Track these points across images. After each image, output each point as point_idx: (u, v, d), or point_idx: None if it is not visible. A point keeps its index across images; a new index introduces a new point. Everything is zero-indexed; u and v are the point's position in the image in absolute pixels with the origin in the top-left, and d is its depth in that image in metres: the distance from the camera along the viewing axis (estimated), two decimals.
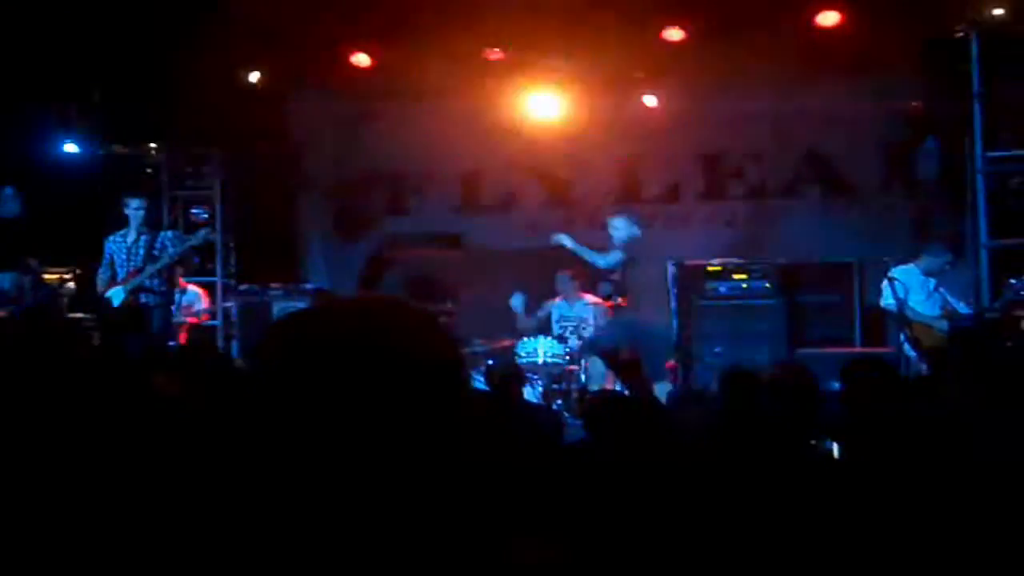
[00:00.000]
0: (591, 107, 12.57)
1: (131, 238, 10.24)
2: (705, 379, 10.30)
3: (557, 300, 11.85)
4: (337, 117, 13.81)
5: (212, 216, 13.11)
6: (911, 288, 10.22)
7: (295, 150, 13.69)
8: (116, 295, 10.19)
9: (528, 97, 12.52)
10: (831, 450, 4.22)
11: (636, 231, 10.63)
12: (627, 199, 13.56)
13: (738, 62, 11.93)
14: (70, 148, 12.45)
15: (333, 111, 13.78)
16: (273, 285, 12.51)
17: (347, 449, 1.50)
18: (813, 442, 3.95)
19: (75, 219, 11.95)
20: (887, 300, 10.26)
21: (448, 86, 12.34)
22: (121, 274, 10.21)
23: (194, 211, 13.13)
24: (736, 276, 11.26)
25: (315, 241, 14.35)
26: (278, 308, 12.18)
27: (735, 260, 11.43)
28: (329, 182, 14.29)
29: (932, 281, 10.39)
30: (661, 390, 9.51)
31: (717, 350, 10.82)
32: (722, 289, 11.24)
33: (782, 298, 11.07)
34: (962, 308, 10.35)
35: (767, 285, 11.16)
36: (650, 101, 12.46)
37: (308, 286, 12.85)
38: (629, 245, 10.64)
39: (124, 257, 10.22)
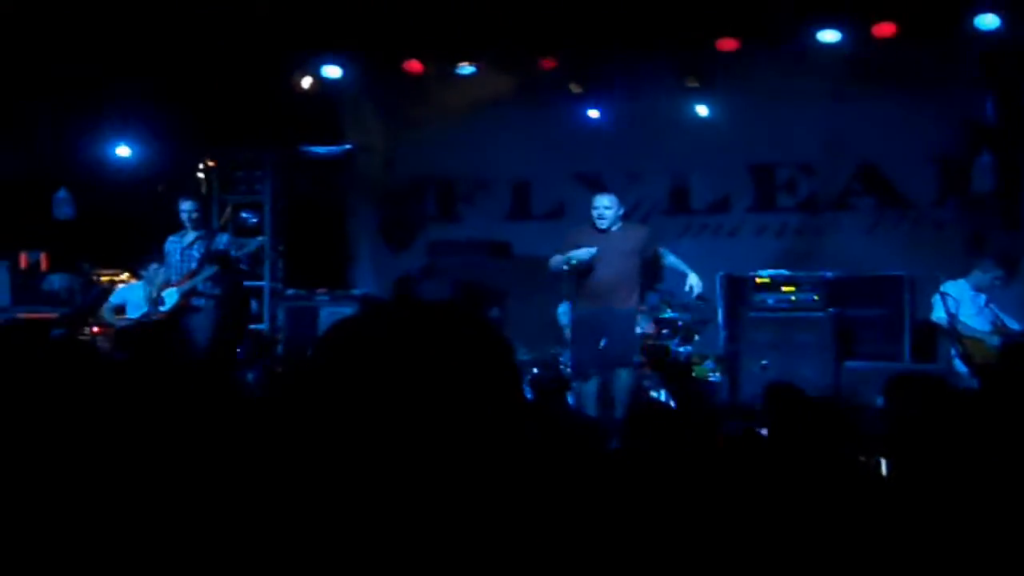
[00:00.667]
0: (643, 116, 12.53)
1: (187, 239, 10.33)
2: (751, 391, 10.23)
3: None
4: (389, 122, 13.86)
5: (261, 221, 13.17)
6: (962, 303, 10.10)
7: (346, 155, 13.73)
8: (170, 296, 10.29)
9: (580, 105, 12.48)
10: (879, 466, 4.16)
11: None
12: (678, 209, 13.54)
13: (791, 72, 11.89)
14: (123, 151, 12.54)
15: (385, 116, 13.83)
16: (320, 291, 12.56)
17: (401, 454, 1.51)
18: (862, 458, 3.91)
19: (129, 221, 12.07)
20: (938, 314, 10.15)
21: (500, 93, 12.36)
22: (175, 276, 10.30)
23: (244, 215, 13.18)
24: (785, 288, 11.17)
25: (363, 246, 14.40)
26: (325, 314, 12.22)
27: (784, 272, 11.35)
28: (379, 187, 14.34)
29: (983, 296, 10.27)
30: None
31: (764, 363, 10.74)
32: (770, 301, 11.16)
33: (831, 311, 10.97)
34: (1013, 325, 10.21)
35: (815, 298, 11.06)
36: (702, 110, 12.38)
37: (355, 292, 12.90)
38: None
39: (178, 259, 10.31)
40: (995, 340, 9.93)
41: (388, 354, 1.55)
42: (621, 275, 9.69)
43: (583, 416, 9.66)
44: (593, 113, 12.62)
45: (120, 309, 11.09)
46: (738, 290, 11.32)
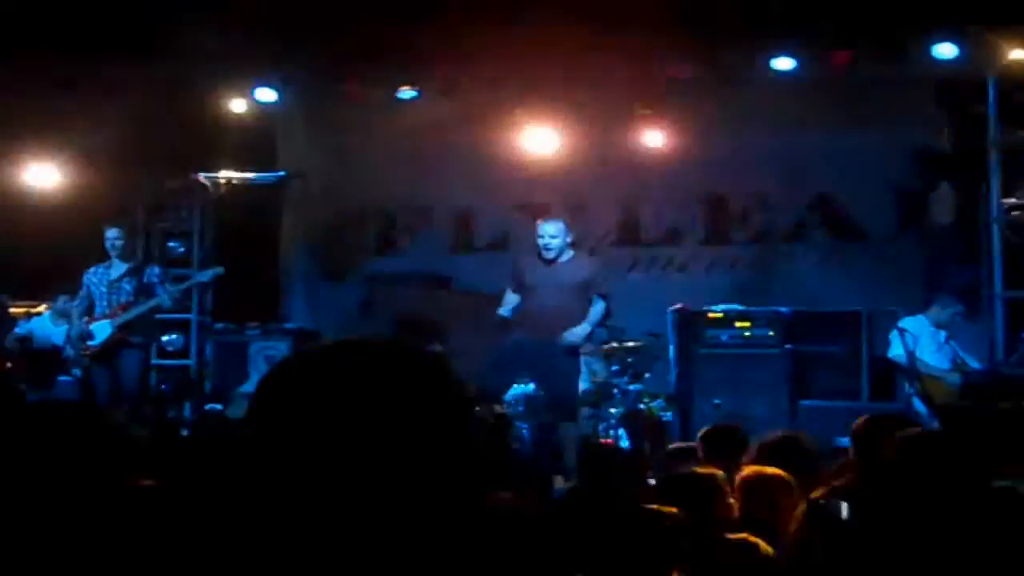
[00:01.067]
0: (592, 144, 12.52)
1: (116, 271, 10.18)
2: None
3: None
4: (326, 148, 13.77)
5: (190, 250, 13.00)
6: (920, 339, 10.14)
7: (280, 182, 13.60)
8: (101, 330, 10.11)
9: (527, 133, 12.45)
10: (839, 508, 4.12)
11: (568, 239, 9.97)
12: (627, 240, 13.54)
13: (745, 101, 11.94)
14: (43, 177, 12.33)
15: (322, 142, 13.74)
16: (251, 324, 12.41)
17: (360, 509, 1.46)
18: (822, 502, 3.86)
19: (48, 250, 11.86)
20: (896, 351, 10.19)
21: (443, 120, 12.32)
22: (101, 308, 10.14)
23: (171, 244, 13.00)
24: (738, 324, 11.16)
25: (297, 278, 14.26)
26: (255, 348, 12.09)
27: (737, 307, 11.35)
28: (315, 217, 14.22)
29: (943, 333, 10.33)
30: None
31: (717, 401, 10.71)
32: (723, 337, 11.15)
33: (786, 348, 10.97)
34: (973, 363, 10.26)
35: (770, 334, 11.05)
36: (653, 139, 12.38)
37: (288, 326, 12.76)
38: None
39: (105, 290, 10.16)
40: (955, 378, 9.98)
41: (336, 402, 1.48)
42: (564, 308, 9.63)
43: (528, 456, 9.60)
44: (539, 141, 12.59)
45: (24, 340, 10.98)
46: (690, 325, 11.29)
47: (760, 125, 12.30)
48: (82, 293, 10.32)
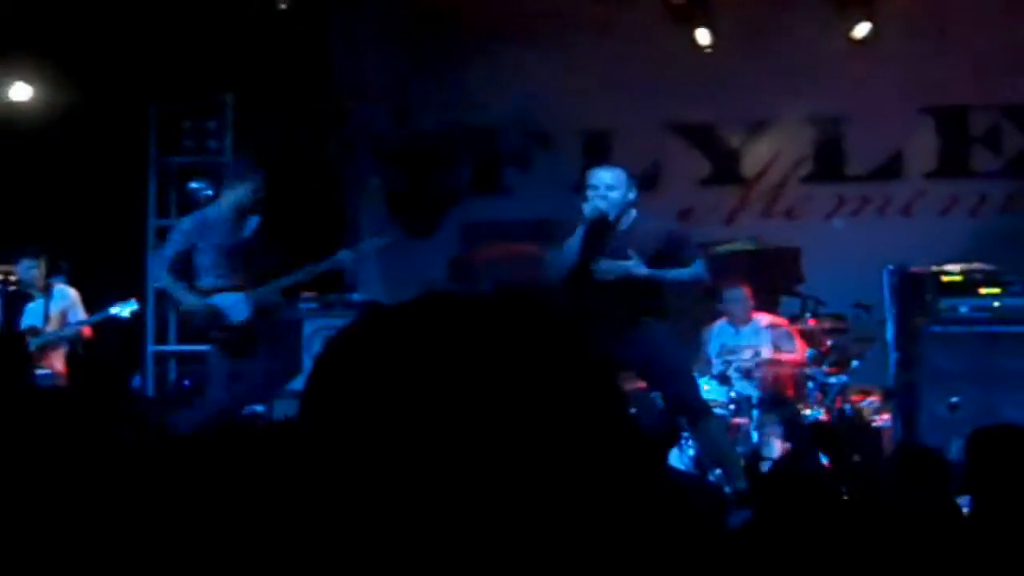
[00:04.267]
0: (773, 41, 12.45)
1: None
2: (934, 440, 10.10)
3: (718, 323, 11.71)
4: (402, 52, 13.82)
5: (219, 193, 13.14)
6: None
7: (339, 100, 13.69)
8: None
9: (681, 28, 12.43)
10: None
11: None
12: (826, 174, 13.46)
13: None
14: (20, 92, 12.58)
15: (396, 44, 13.80)
16: (305, 295, 12.51)
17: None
18: None
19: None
20: None
21: (569, 14, 12.33)
22: None
23: (193, 185, 13.16)
24: (984, 290, 11.00)
25: (366, 232, 14.35)
26: (311, 327, 12.18)
27: (983, 266, 11.17)
28: (389, 146, 14.29)
29: None
30: None
31: (954, 400, 10.57)
32: (963, 309, 10.98)
33: None
34: None
35: None
36: (861, 30, 12.28)
37: (354, 297, 12.84)
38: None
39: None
40: None
41: (434, 375, 1.45)
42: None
43: (691, 477, 9.66)
44: (702, 37, 12.57)
45: None
46: (916, 293, 11.16)
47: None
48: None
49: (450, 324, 1.48)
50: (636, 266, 8.96)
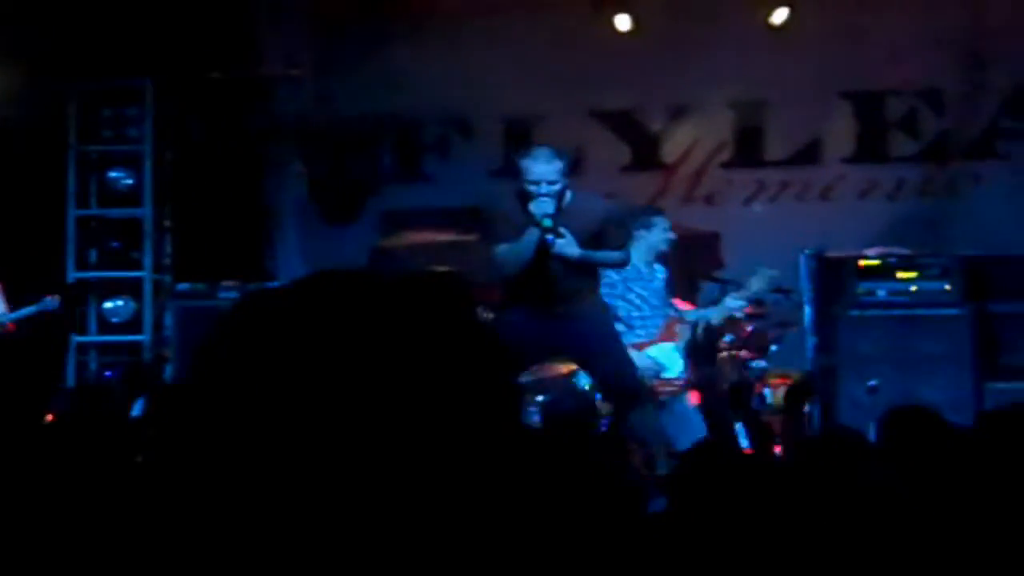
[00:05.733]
0: (693, 27, 12.48)
1: None
2: (854, 422, 10.18)
3: None
4: (326, 39, 13.79)
5: (140, 181, 13.08)
6: None
7: (263, 85, 13.65)
8: None
9: (601, 14, 12.46)
10: None
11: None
12: (746, 159, 13.52)
13: None
14: None
15: (320, 30, 13.77)
16: (226, 283, 12.47)
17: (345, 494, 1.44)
18: None
19: None
20: None
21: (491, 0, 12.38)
22: None
23: (112, 174, 13.08)
24: (901, 274, 11.10)
25: (288, 220, 14.32)
26: None
27: (900, 251, 11.27)
28: (311, 133, 14.25)
29: None
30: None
31: (872, 383, 10.67)
32: (881, 293, 11.08)
33: (969, 307, 10.90)
34: None
35: (946, 288, 10.98)
36: (779, 16, 12.34)
37: (276, 285, 12.81)
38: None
39: None
40: None
41: (319, 347, 1.46)
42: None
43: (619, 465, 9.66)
44: (621, 23, 12.60)
45: None
46: (834, 277, 11.23)
47: None
48: None
49: (328, 301, 1.50)
50: (568, 245, 8.91)
